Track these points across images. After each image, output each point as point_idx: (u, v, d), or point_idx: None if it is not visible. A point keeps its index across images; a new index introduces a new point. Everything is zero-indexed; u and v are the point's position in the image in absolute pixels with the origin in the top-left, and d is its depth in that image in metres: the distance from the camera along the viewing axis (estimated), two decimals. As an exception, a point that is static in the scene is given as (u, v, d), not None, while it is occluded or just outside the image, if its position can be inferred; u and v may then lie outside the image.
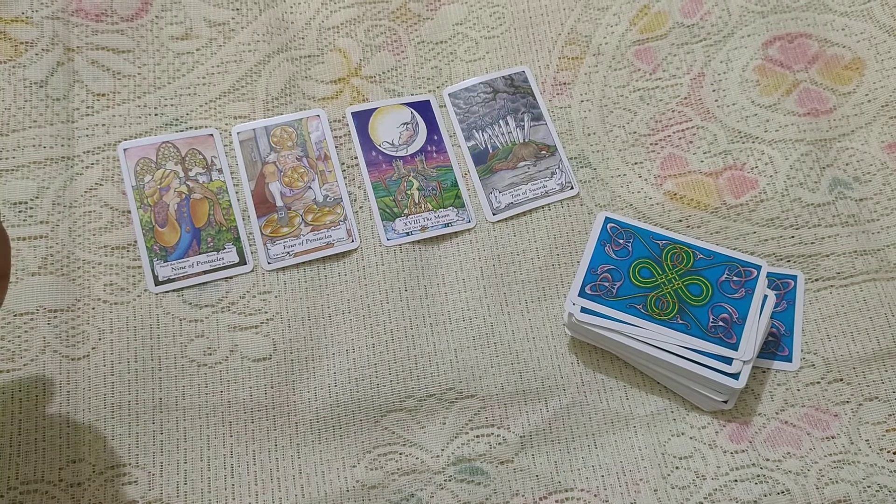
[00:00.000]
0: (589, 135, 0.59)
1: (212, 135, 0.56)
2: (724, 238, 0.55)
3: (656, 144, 0.58)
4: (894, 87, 0.59)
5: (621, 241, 0.53)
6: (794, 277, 0.54)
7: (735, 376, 0.47)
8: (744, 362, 0.48)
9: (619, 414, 0.51)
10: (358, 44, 0.60)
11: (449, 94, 0.59)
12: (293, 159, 0.56)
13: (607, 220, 0.53)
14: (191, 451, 0.49)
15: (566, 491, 0.49)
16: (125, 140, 0.56)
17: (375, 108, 0.59)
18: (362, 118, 0.58)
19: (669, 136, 0.59)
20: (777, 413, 0.50)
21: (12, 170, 0.53)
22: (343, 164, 0.57)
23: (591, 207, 0.57)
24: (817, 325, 0.53)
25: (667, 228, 0.55)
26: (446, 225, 0.55)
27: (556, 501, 0.48)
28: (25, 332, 0.49)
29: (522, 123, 0.59)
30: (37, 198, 0.53)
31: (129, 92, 0.57)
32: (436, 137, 0.58)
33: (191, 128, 0.56)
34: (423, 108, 0.59)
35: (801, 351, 0.52)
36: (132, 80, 0.57)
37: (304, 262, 0.54)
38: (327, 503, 0.48)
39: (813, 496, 0.47)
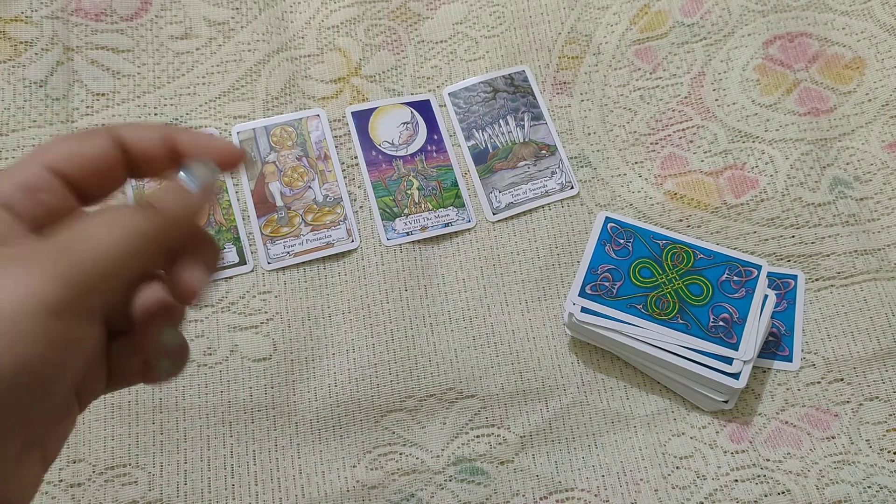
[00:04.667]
0: (589, 134, 0.59)
1: (211, 134, 0.56)
2: (724, 238, 0.55)
3: (656, 144, 0.58)
4: (894, 86, 0.59)
5: (621, 241, 0.52)
6: (795, 277, 0.54)
7: (735, 376, 0.47)
8: (744, 362, 0.48)
9: (620, 414, 0.51)
10: (358, 43, 0.60)
11: (449, 94, 0.59)
12: (293, 159, 0.56)
13: (607, 219, 0.53)
14: (191, 451, 0.49)
15: (566, 491, 0.49)
16: (125, 140, 0.55)
17: (375, 108, 0.59)
18: (362, 118, 0.58)
19: (670, 135, 0.58)
20: (777, 413, 0.50)
21: (12, 170, 0.53)
22: (343, 163, 0.57)
23: (592, 207, 0.56)
24: (818, 324, 0.53)
25: (667, 228, 0.55)
26: (446, 225, 0.55)
27: (557, 501, 0.48)
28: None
29: (522, 123, 0.59)
30: (36, 198, 0.53)
31: (129, 91, 0.57)
32: (436, 137, 0.58)
33: (191, 127, 0.56)
34: (423, 108, 0.59)
35: (802, 351, 0.52)
36: (132, 79, 0.57)
37: (304, 262, 0.54)
38: (327, 503, 0.48)
39: (813, 496, 0.47)
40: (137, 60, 0.58)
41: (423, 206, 0.56)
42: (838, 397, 0.51)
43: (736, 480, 0.48)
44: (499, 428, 0.50)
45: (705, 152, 0.58)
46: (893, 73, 0.60)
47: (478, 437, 0.50)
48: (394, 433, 0.50)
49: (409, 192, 0.56)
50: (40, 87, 0.55)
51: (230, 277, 0.53)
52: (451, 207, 0.56)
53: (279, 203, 0.55)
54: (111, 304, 0.26)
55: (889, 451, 0.49)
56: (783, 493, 0.48)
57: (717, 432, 0.50)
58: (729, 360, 0.48)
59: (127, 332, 0.28)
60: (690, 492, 0.48)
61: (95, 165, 0.27)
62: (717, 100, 0.60)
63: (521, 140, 0.58)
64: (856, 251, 0.54)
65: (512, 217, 0.56)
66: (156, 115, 0.56)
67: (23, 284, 0.22)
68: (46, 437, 0.26)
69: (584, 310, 0.50)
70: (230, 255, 0.53)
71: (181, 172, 0.27)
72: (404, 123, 0.58)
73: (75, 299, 0.23)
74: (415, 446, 0.50)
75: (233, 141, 0.29)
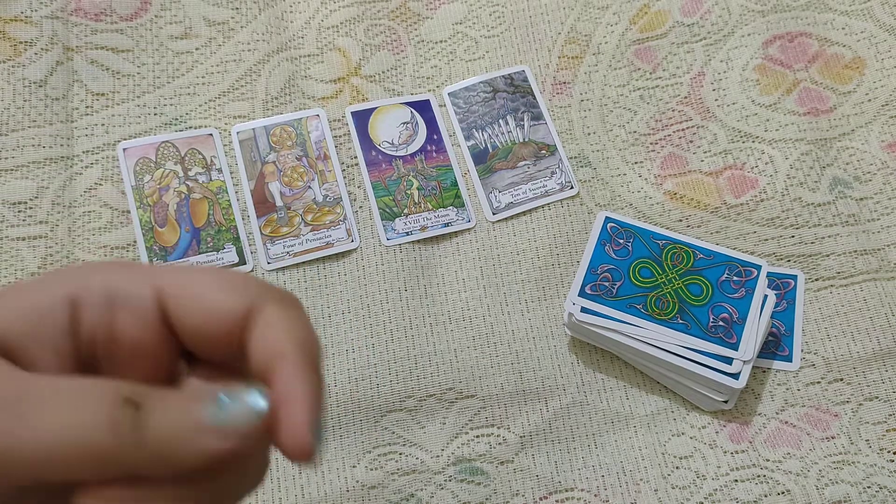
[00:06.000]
0: (589, 134, 0.59)
1: (211, 134, 0.56)
2: (724, 238, 0.55)
3: (656, 144, 0.58)
4: (894, 86, 0.59)
5: (621, 241, 0.52)
6: (795, 277, 0.54)
7: (735, 376, 0.47)
8: (744, 362, 0.48)
9: (620, 414, 0.51)
10: (357, 43, 0.60)
11: (449, 94, 0.59)
12: (293, 159, 0.56)
13: (607, 219, 0.53)
14: None
15: (566, 491, 0.49)
16: (124, 140, 0.55)
17: (375, 108, 0.59)
18: (362, 117, 0.58)
19: (669, 135, 0.58)
20: (777, 413, 0.50)
21: (12, 169, 0.53)
22: (343, 163, 0.57)
23: (591, 207, 0.56)
24: (817, 324, 0.53)
25: (667, 228, 0.55)
26: (446, 224, 0.55)
27: (557, 501, 0.48)
28: (25, 332, 0.49)
29: (522, 123, 0.59)
30: (36, 198, 0.53)
31: (129, 91, 0.57)
32: (435, 137, 0.58)
33: (190, 127, 0.56)
34: (423, 108, 0.59)
35: (802, 351, 0.52)
36: (131, 79, 0.57)
37: (303, 262, 0.54)
38: (327, 503, 0.48)
39: (813, 496, 0.47)
40: (137, 60, 0.58)
41: (422, 205, 0.56)
42: (838, 397, 0.51)
43: (736, 480, 0.48)
44: (499, 428, 0.50)
45: (705, 152, 0.58)
46: (893, 73, 0.60)
47: (478, 437, 0.50)
48: (394, 433, 0.50)
49: (408, 191, 0.56)
50: (40, 86, 0.55)
51: (230, 277, 0.53)
52: (450, 207, 0.56)
53: (279, 203, 0.55)
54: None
55: (889, 451, 0.49)
56: (783, 493, 0.48)
57: (717, 432, 0.50)
58: (729, 360, 0.48)
59: None
60: (690, 492, 0.48)
61: (214, 323, 0.21)
62: (716, 100, 0.60)
63: (521, 140, 0.58)
64: (855, 251, 0.54)
65: (512, 217, 0.56)
66: (155, 114, 0.56)
67: None
68: None
69: (583, 310, 0.50)
70: (230, 255, 0.53)
71: (220, 394, 0.19)
72: (404, 123, 0.58)
73: None
74: (415, 446, 0.50)
75: (312, 434, 0.20)
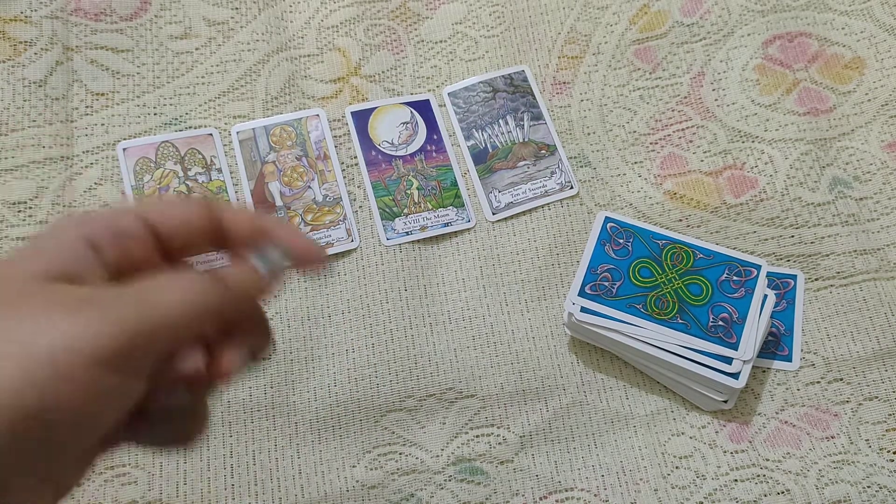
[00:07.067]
0: (588, 134, 0.59)
1: (211, 134, 0.56)
2: (724, 237, 0.55)
3: (656, 144, 0.58)
4: (894, 86, 0.59)
5: (621, 241, 0.52)
6: (794, 277, 0.54)
7: (735, 376, 0.47)
8: (744, 362, 0.48)
9: (619, 413, 0.51)
10: (357, 43, 0.60)
11: (448, 94, 0.59)
12: (292, 159, 0.56)
13: (607, 219, 0.53)
14: (190, 452, 0.49)
15: (566, 490, 0.49)
16: (124, 139, 0.55)
17: (375, 108, 0.59)
18: (362, 117, 0.58)
19: (669, 135, 0.59)
20: (777, 413, 0.50)
21: (11, 169, 0.53)
22: (342, 163, 0.57)
23: (591, 207, 0.56)
24: (817, 324, 0.53)
25: (667, 228, 0.55)
26: (446, 224, 0.55)
27: (556, 501, 0.48)
28: (25, 332, 0.49)
29: (522, 123, 0.59)
30: (36, 197, 0.53)
31: (129, 91, 0.57)
32: (435, 137, 0.58)
33: (190, 127, 0.56)
34: (423, 108, 0.59)
35: (801, 350, 0.52)
36: (131, 79, 0.57)
37: (303, 262, 0.54)
38: (327, 503, 0.48)
39: (813, 496, 0.47)
40: (137, 60, 0.58)
41: (422, 205, 0.56)
42: (838, 397, 0.51)
43: (735, 480, 0.48)
44: (498, 428, 0.50)
45: (705, 152, 0.58)
46: (893, 72, 0.60)
47: (477, 436, 0.50)
48: (393, 433, 0.50)
49: (408, 191, 0.56)
50: (40, 86, 0.55)
51: (230, 277, 0.53)
52: (450, 207, 0.56)
53: (279, 203, 0.55)
54: (159, 362, 0.26)
55: (888, 451, 0.49)
56: (783, 492, 0.48)
57: (717, 432, 0.50)
58: (728, 360, 0.48)
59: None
60: (690, 491, 0.48)
61: (189, 227, 0.28)
62: (716, 100, 0.60)
63: (521, 140, 0.58)
64: (855, 251, 0.54)
65: (511, 217, 0.56)
66: (155, 114, 0.56)
67: (82, 329, 0.22)
68: (63, 476, 0.26)
69: (583, 309, 0.50)
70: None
71: (254, 255, 0.28)
72: (404, 123, 0.58)
73: (130, 354, 0.23)
74: (414, 446, 0.50)
75: (315, 240, 0.32)
